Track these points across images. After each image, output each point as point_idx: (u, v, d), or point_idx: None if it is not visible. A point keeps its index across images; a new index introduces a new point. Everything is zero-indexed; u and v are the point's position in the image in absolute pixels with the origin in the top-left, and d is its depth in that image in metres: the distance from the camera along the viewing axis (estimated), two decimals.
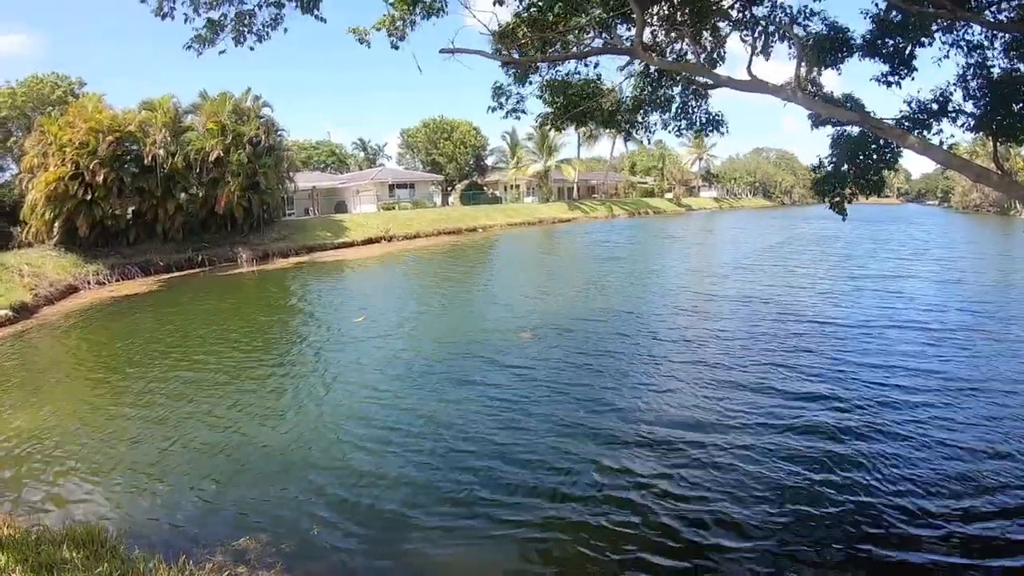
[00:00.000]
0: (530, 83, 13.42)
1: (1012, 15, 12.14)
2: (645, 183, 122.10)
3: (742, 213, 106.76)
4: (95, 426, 13.30)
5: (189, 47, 9.98)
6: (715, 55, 13.66)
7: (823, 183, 13.50)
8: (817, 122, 13.80)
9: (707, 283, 29.11)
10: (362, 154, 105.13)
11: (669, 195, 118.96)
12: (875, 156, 13.08)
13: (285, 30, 10.24)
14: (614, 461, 10.36)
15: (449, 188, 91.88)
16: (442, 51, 11.34)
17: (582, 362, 16.18)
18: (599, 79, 13.85)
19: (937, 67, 14.10)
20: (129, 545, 7.95)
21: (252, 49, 10.20)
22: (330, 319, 24.00)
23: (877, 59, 13.36)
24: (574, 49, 13.09)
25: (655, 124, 14.47)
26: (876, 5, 13.09)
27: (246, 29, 9.99)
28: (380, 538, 8.49)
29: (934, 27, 12.87)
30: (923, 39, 13.08)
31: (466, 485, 9.82)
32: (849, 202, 13.70)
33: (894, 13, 12.94)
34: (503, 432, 11.79)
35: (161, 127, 42.91)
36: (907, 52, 13.25)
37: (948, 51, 13.08)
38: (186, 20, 9.56)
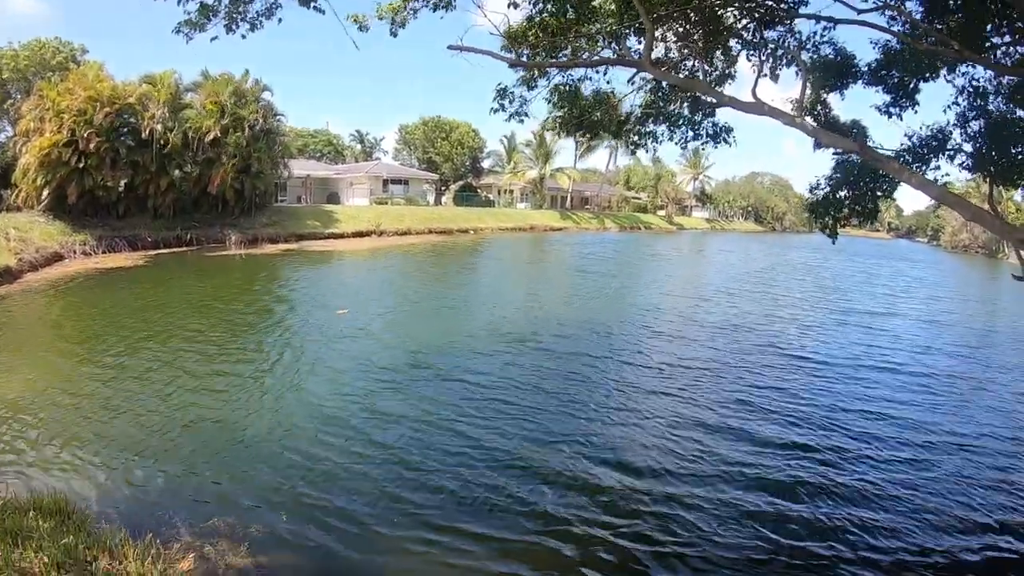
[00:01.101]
0: (536, 87, 13.44)
1: (1015, 59, 12.18)
2: (639, 199, 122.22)
3: (733, 236, 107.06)
4: (67, 397, 13.16)
5: (178, 31, 9.80)
6: (725, 74, 13.69)
7: (818, 205, 13.60)
8: (818, 144, 13.96)
9: (689, 307, 28.71)
10: (359, 146, 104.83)
11: (662, 212, 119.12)
12: (873, 185, 13.21)
13: (280, 20, 10.09)
14: (557, 498, 9.73)
15: (443, 188, 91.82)
16: (450, 47, 11.28)
17: (546, 381, 15.65)
18: (612, 92, 13.95)
19: (939, 105, 14.31)
20: (95, 518, 7.87)
21: (244, 37, 10.01)
22: (313, 310, 23.79)
23: (880, 88, 13.51)
24: (584, 56, 13.13)
25: (662, 135, 14.50)
26: (886, 40, 13.21)
27: (239, 16, 9.82)
28: (342, 532, 8.45)
29: (939, 63, 12.97)
30: (927, 74, 13.22)
31: (415, 496, 9.57)
32: (842, 226, 13.82)
33: (900, 46, 13.05)
34: (451, 451, 11.31)
35: (162, 103, 42.67)
36: (910, 85, 13.38)
37: (957, 97, 13.07)
38: (179, 2, 9.41)
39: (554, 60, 12.90)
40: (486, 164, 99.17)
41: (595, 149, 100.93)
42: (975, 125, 13.15)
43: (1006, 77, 12.74)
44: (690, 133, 14.22)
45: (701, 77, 13.43)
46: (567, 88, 13.62)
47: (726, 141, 14.24)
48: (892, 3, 12.40)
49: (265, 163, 47.65)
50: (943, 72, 13.06)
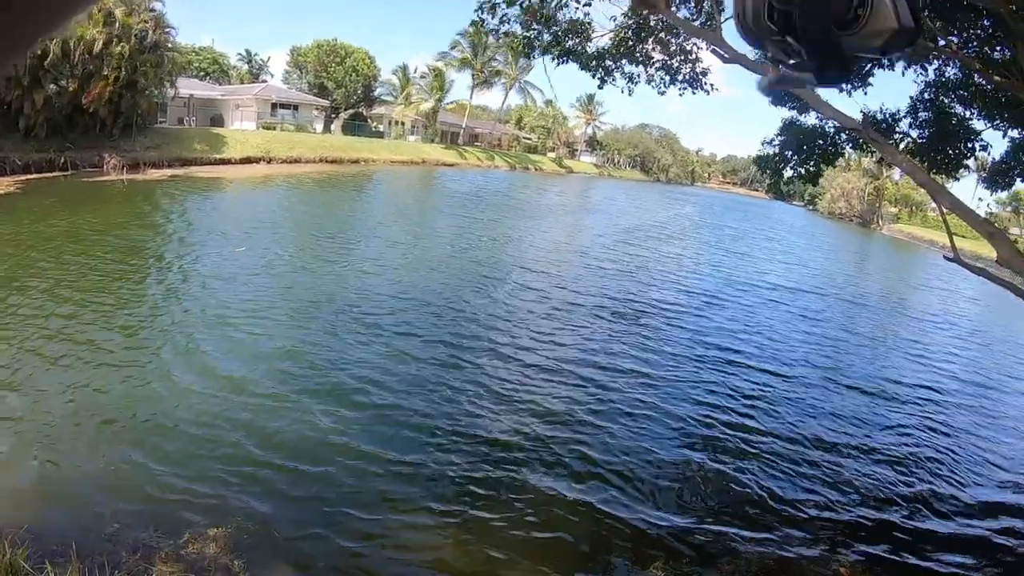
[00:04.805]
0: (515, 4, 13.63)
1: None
2: (529, 139, 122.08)
3: (621, 183, 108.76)
4: None
5: None
6: (707, 25, 13.72)
7: (767, 160, 14.58)
8: (775, 101, 14.53)
9: (569, 266, 27.69)
10: (246, 67, 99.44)
11: (552, 154, 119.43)
12: (818, 150, 13.83)
13: None
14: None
15: (333, 115, 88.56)
16: None
17: (409, 344, 14.69)
18: (590, 23, 14.08)
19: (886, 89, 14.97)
20: (30, 555, 6.36)
21: None
22: (209, 246, 22.29)
23: None
24: None
25: (638, 76, 14.76)
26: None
27: None
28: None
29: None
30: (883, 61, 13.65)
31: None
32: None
33: None
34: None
35: None
36: (865, 68, 13.87)
37: (925, 90, 13.54)
38: None
39: None
40: (378, 93, 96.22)
41: (493, 85, 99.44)
42: (923, 116, 13.68)
43: (952, 73, 13.26)
44: (667, 77, 14.53)
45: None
46: (542, 10, 13.73)
47: (703, 88, 14.53)
48: None
49: (152, 80, 43.81)
50: (900, 62, 13.61)
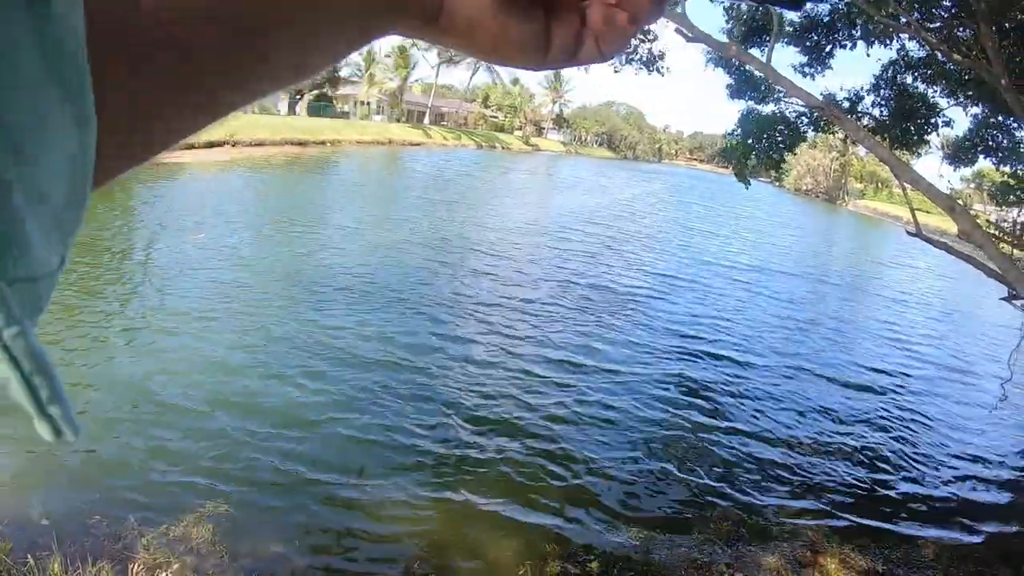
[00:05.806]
0: None
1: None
2: (496, 118, 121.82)
3: (588, 161, 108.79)
4: None
5: None
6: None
7: (732, 151, 14.66)
8: (733, 95, 14.70)
9: (532, 248, 26.62)
10: None
11: (519, 132, 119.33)
12: (779, 137, 13.96)
13: None
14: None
15: (298, 97, 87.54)
16: None
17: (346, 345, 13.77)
18: None
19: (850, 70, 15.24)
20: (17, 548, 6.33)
21: None
22: (166, 233, 21.73)
23: (799, 49, 14.20)
24: None
25: None
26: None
27: None
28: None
29: (857, 33, 13.57)
30: (844, 42, 13.87)
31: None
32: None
33: (825, 11, 13.62)
34: None
35: None
36: (826, 49, 14.06)
37: (889, 68, 13.74)
38: None
39: None
40: (343, 73, 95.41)
41: (458, 64, 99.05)
42: (886, 93, 13.89)
43: (915, 51, 13.46)
44: (623, 55, 14.53)
45: None
46: None
47: (659, 70, 14.50)
48: None
49: None
50: (861, 42, 13.85)
